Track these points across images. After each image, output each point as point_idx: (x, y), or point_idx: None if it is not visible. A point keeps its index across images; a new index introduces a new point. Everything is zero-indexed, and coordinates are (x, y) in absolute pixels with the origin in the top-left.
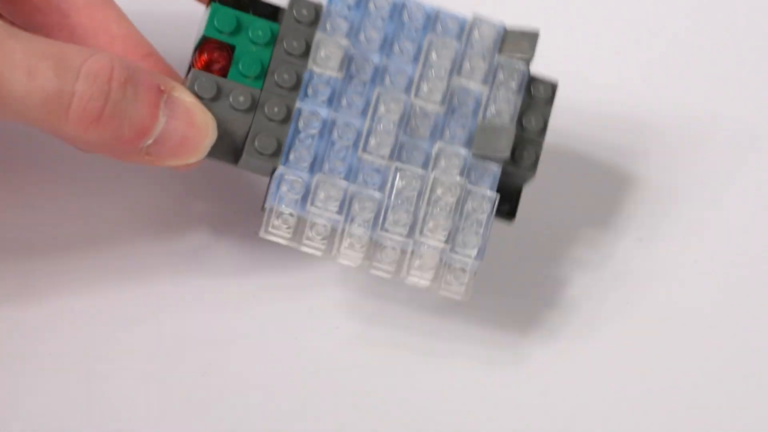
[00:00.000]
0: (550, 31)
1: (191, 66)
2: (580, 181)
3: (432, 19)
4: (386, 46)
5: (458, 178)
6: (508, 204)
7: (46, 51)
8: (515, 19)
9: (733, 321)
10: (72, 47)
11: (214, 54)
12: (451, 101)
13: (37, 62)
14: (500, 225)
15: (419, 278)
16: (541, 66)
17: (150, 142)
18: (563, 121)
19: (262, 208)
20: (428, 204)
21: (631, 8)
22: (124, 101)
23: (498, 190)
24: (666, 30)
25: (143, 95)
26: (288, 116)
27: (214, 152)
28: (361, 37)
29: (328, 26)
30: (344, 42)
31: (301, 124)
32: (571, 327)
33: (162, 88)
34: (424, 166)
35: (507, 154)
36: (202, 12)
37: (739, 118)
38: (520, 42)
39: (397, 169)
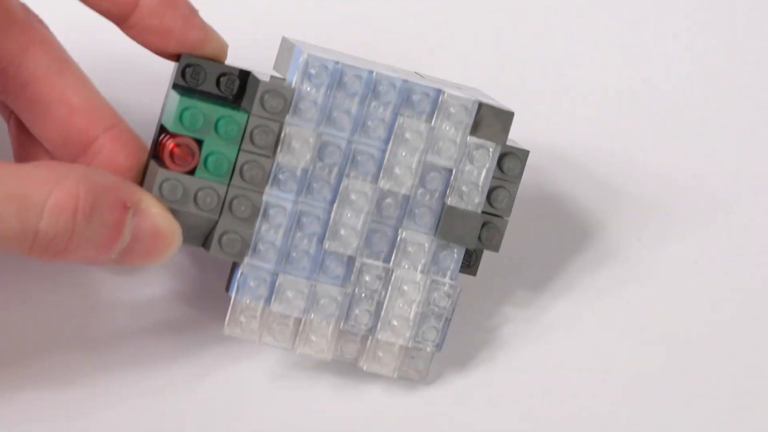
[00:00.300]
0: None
1: (156, 145)
2: (580, 181)
3: (404, 95)
4: (357, 126)
5: (420, 275)
6: (469, 259)
7: (8, 193)
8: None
9: (734, 321)
10: (36, 178)
11: (179, 150)
12: (422, 180)
13: (1, 208)
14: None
15: (380, 368)
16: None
17: (114, 256)
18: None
19: (227, 289)
20: (391, 299)
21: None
22: (88, 230)
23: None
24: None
25: (108, 218)
26: (254, 213)
27: (183, 239)
28: (331, 120)
29: (296, 114)
30: (313, 132)
31: (267, 217)
32: (570, 326)
33: (128, 204)
34: (389, 253)
35: (473, 244)
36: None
37: (740, 117)
38: (493, 124)
39: (362, 265)
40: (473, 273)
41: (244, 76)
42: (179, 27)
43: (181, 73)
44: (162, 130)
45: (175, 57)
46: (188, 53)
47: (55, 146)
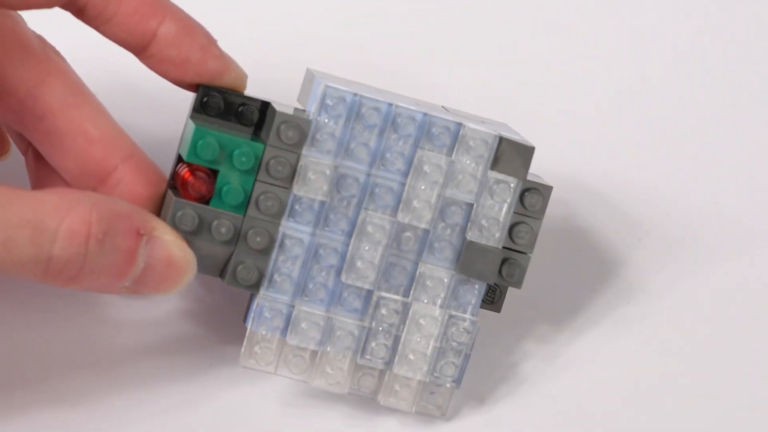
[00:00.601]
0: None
1: (174, 174)
2: (579, 180)
3: (424, 128)
4: (375, 159)
5: (438, 310)
6: (493, 295)
7: (22, 218)
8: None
9: (734, 321)
10: (49, 204)
11: (197, 176)
12: (441, 216)
13: (13, 233)
14: None
15: (396, 404)
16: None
17: (128, 284)
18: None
19: (244, 320)
20: (408, 333)
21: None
22: (101, 256)
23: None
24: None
25: (121, 245)
26: (271, 244)
27: (199, 269)
28: (349, 152)
29: (314, 146)
30: (330, 164)
31: (284, 249)
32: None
33: (141, 231)
34: (407, 287)
35: (492, 280)
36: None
37: (741, 117)
38: (513, 160)
39: (379, 299)
40: (497, 309)
41: (264, 107)
42: (197, 57)
43: (200, 102)
44: (179, 159)
45: (194, 87)
46: (207, 83)
47: (73, 177)
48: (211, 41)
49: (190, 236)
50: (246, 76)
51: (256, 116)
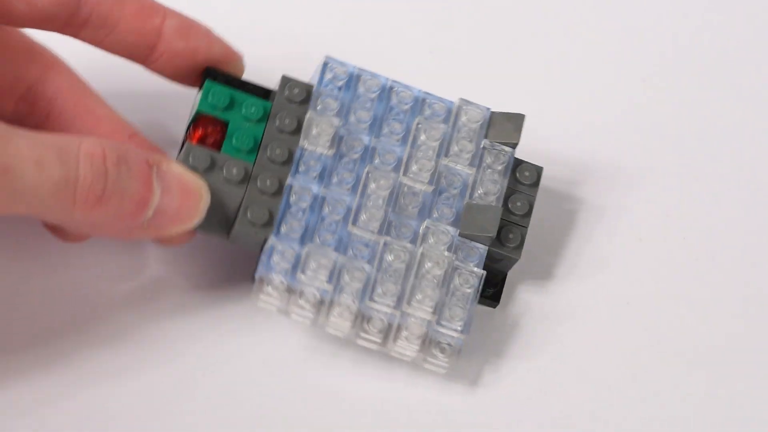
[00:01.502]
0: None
1: (185, 141)
2: (580, 181)
3: (420, 103)
4: (375, 126)
5: (446, 252)
6: (492, 288)
7: (47, 142)
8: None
9: (734, 321)
10: (65, 136)
11: (208, 128)
12: (438, 182)
13: (43, 153)
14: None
15: (405, 349)
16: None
17: (150, 214)
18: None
19: (252, 278)
20: (416, 276)
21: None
22: (120, 179)
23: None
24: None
25: (135, 171)
26: (280, 189)
27: (207, 226)
28: (351, 117)
29: (318, 106)
30: (335, 121)
31: (292, 199)
32: (570, 326)
33: (150, 162)
34: (412, 242)
35: (493, 233)
36: (188, 92)
37: (741, 115)
38: (505, 126)
39: (386, 244)
40: (496, 300)
41: (268, 92)
42: (204, 45)
43: (208, 74)
44: (189, 125)
45: (198, 81)
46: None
47: None
48: (209, 29)
49: (202, 175)
50: (242, 57)
51: (260, 91)
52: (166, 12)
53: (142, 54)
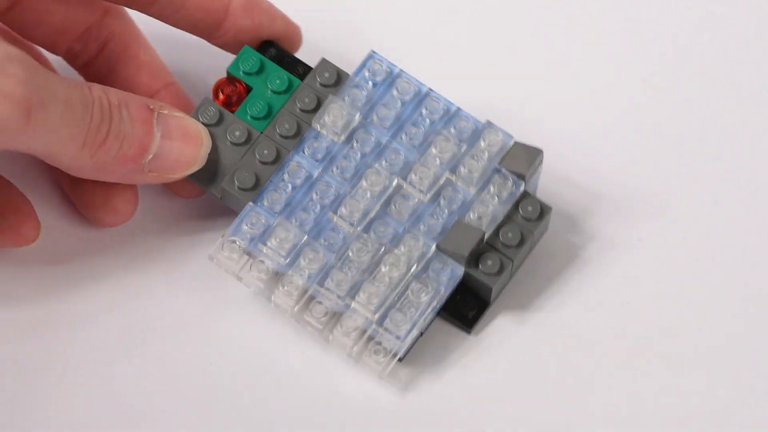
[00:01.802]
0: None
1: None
2: (580, 179)
3: (449, 116)
4: (395, 127)
5: (406, 265)
6: (472, 313)
7: (70, 84)
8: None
9: (734, 321)
10: (77, 80)
11: (229, 89)
12: (438, 195)
13: (71, 93)
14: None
15: (340, 341)
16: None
17: (150, 157)
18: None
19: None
20: (370, 273)
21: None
22: (121, 123)
23: (465, 296)
24: None
25: (136, 114)
26: (276, 160)
27: (202, 179)
28: (374, 113)
29: (346, 95)
30: (352, 113)
31: (286, 174)
32: (570, 326)
33: (151, 107)
34: (389, 243)
35: (465, 253)
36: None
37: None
38: (520, 156)
39: (358, 236)
40: (470, 328)
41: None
42: (267, 20)
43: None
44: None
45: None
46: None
47: None
48: (271, 4)
49: (208, 129)
50: (300, 29)
51: (303, 70)
52: None
53: (208, 30)
